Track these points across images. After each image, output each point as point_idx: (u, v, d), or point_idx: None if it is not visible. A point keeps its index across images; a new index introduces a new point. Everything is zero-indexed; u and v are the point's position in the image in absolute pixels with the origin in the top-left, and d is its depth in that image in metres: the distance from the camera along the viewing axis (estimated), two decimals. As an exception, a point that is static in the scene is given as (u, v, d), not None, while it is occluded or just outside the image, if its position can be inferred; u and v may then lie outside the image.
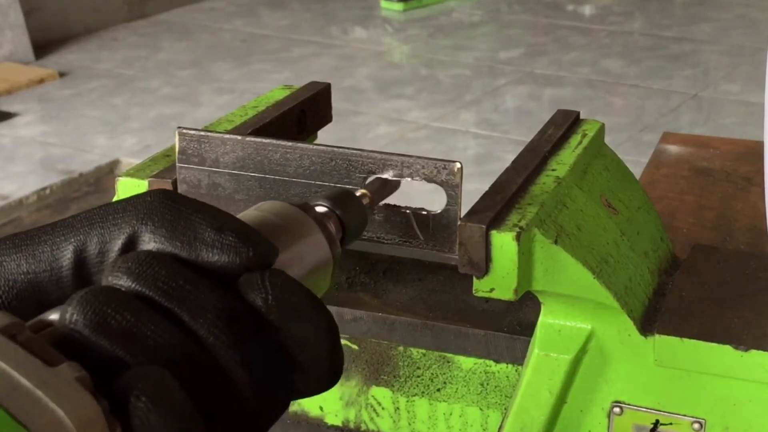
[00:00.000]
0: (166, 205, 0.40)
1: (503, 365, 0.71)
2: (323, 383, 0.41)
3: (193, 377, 0.36)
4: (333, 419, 0.76)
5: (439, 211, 0.58)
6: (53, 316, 0.37)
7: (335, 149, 0.59)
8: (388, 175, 0.58)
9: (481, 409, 0.72)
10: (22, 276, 0.40)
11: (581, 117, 0.74)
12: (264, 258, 0.40)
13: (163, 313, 0.37)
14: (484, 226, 0.57)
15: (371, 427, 0.75)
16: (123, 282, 0.37)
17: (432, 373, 0.73)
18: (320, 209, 0.50)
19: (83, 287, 0.39)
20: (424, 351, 0.73)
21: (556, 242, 0.59)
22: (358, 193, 0.54)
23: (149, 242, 0.39)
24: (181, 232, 0.39)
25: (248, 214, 0.45)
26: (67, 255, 0.40)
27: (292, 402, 0.45)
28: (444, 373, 0.73)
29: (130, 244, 0.40)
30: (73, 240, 0.40)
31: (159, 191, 0.41)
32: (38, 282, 0.40)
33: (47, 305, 0.39)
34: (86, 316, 0.35)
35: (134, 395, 0.34)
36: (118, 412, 0.34)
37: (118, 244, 0.40)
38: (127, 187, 0.65)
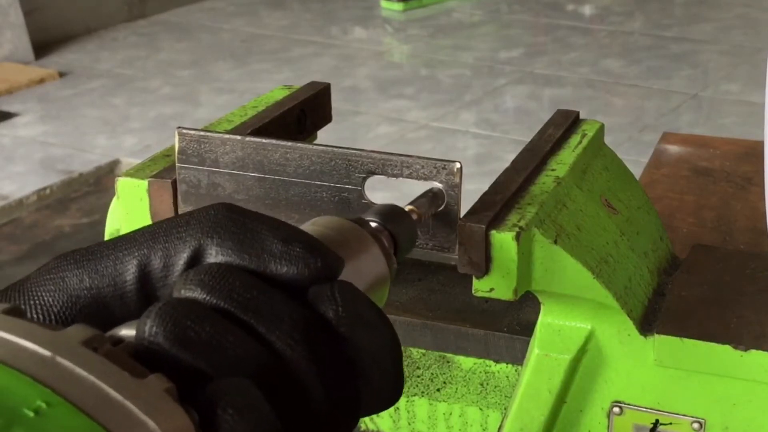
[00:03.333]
0: (231, 218, 0.40)
1: (503, 365, 0.71)
2: (388, 397, 0.41)
3: (273, 389, 0.36)
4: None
5: (438, 212, 0.58)
6: (124, 331, 0.36)
7: (335, 149, 0.59)
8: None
9: (480, 409, 0.72)
10: (85, 291, 0.39)
11: (581, 117, 0.74)
12: (332, 269, 0.40)
13: (240, 324, 0.37)
14: (483, 226, 0.57)
15: (371, 427, 0.75)
16: (198, 294, 0.37)
17: (432, 373, 0.73)
18: (372, 224, 0.49)
19: (147, 302, 0.39)
20: (423, 351, 0.73)
21: (555, 242, 0.59)
22: (406, 208, 0.54)
23: (216, 255, 0.39)
24: (248, 245, 0.39)
25: (305, 228, 0.45)
26: (131, 270, 0.39)
27: None
28: (444, 373, 0.73)
29: (196, 259, 0.39)
30: (136, 254, 0.40)
31: (222, 205, 0.40)
32: (101, 297, 0.40)
33: (111, 321, 0.38)
34: (166, 328, 0.35)
35: (221, 407, 0.34)
36: (205, 424, 0.33)
37: (183, 258, 0.39)
38: (127, 187, 0.65)
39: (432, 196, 0.57)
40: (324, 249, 0.40)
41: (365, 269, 0.45)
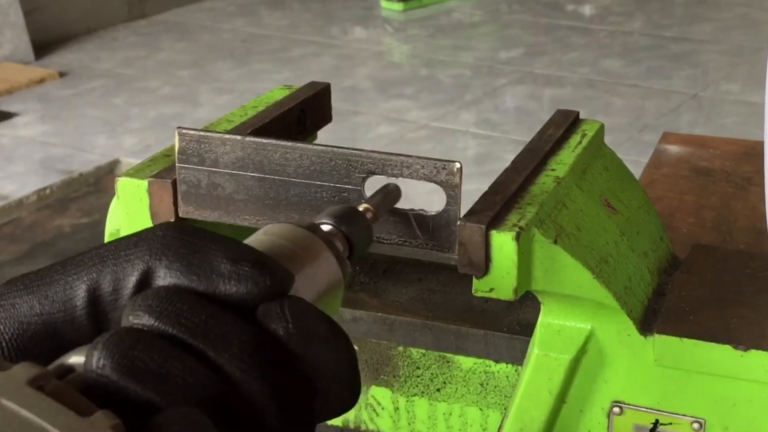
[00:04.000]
0: (178, 238, 0.39)
1: (503, 365, 0.71)
2: (345, 405, 0.41)
3: (223, 413, 0.36)
4: (333, 419, 0.76)
5: (438, 211, 0.58)
6: (73, 359, 0.36)
7: (335, 149, 0.59)
8: (388, 181, 0.58)
9: (480, 409, 0.72)
10: (36, 318, 0.39)
11: (581, 117, 0.74)
12: (281, 286, 0.40)
13: (188, 350, 0.37)
14: (483, 226, 0.57)
15: (371, 427, 0.75)
16: (145, 321, 0.37)
17: (432, 373, 0.73)
18: (326, 228, 0.49)
19: (98, 325, 0.39)
20: (423, 351, 0.73)
21: (555, 242, 0.59)
22: (360, 208, 0.54)
23: (165, 277, 0.39)
24: (196, 266, 0.39)
25: (257, 239, 0.45)
26: (80, 294, 0.39)
27: None
28: (444, 373, 0.73)
29: (144, 281, 0.39)
30: (85, 278, 0.39)
31: (169, 224, 0.40)
32: (52, 323, 0.39)
33: (62, 346, 0.38)
34: (114, 359, 0.35)
35: None
36: None
37: (132, 281, 0.39)
38: (127, 187, 0.65)
39: (387, 192, 0.57)
40: (273, 265, 0.40)
41: (318, 277, 0.45)
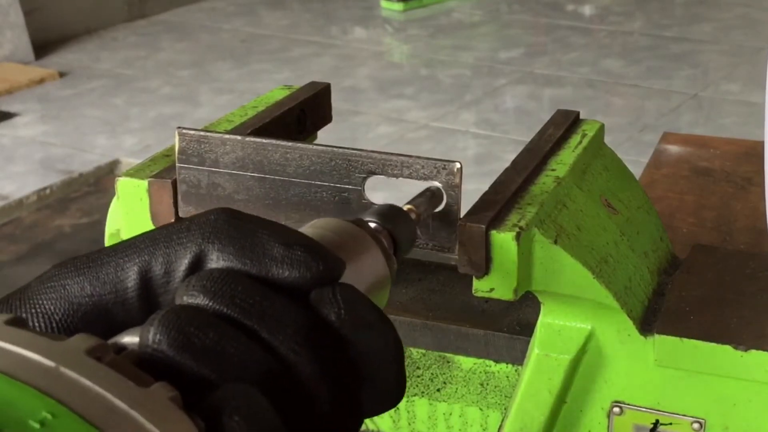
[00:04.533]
0: (231, 222, 0.40)
1: (503, 365, 0.71)
2: (391, 399, 0.41)
3: (277, 394, 0.36)
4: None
5: (439, 211, 0.58)
6: (126, 338, 0.36)
7: (335, 149, 0.59)
8: (435, 185, 0.58)
9: (480, 409, 0.72)
10: (87, 299, 0.39)
11: (581, 117, 0.74)
12: (333, 272, 0.40)
13: (243, 330, 0.37)
14: (483, 226, 0.57)
15: (371, 427, 0.75)
16: (200, 301, 0.37)
17: (432, 373, 0.73)
18: (372, 225, 0.49)
19: (149, 308, 0.39)
20: (424, 351, 0.73)
21: (555, 242, 0.59)
22: (405, 208, 0.54)
23: (217, 261, 0.39)
24: (249, 249, 0.39)
25: (305, 231, 0.45)
26: (132, 276, 0.39)
27: None
28: (444, 373, 0.73)
29: (197, 264, 0.39)
30: (137, 260, 0.40)
31: (222, 210, 0.40)
32: (103, 304, 0.40)
33: (113, 328, 0.38)
34: (170, 335, 0.35)
35: (227, 414, 0.34)
36: (211, 431, 0.34)
37: (184, 263, 0.39)
38: (127, 187, 0.65)
39: (430, 195, 0.57)
40: (325, 252, 0.40)
41: (366, 271, 0.45)
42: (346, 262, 0.42)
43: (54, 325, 0.39)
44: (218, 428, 0.34)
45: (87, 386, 0.32)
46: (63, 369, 0.32)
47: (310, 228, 0.46)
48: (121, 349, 0.36)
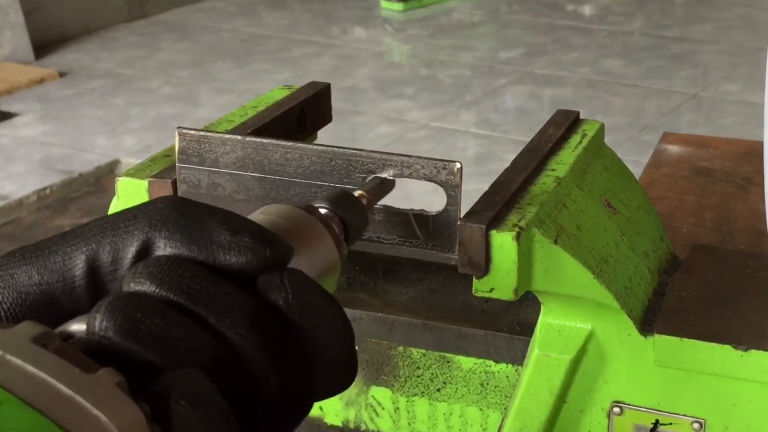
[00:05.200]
0: (178, 210, 0.40)
1: (503, 365, 0.71)
2: (341, 382, 0.41)
3: (225, 379, 0.36)
4: (333, 419, 0.76)
5: (438, 211, 0.58)
6: (74, 326, 0.37)
7: (335, 149, 0.59)
8: (384, 174, 0.58)
9: (480, 409, 0.72)
10: (35, 287, 0.40)
11: (581, 117, 0.74)
12: (281, 258, 0.40)
13: (190, 316, 0.37)
14: (483, 226, 0.57)
15: (371, 427, 0.75)
16: (147, 287, 0.37)
17: (432, 373, 0.73)
18: (322, 211, 0.50)
19: (97, 297, 0.39)
20: (424, 351, 0.73)
21: (556, 242, 0.59)
22: (356, 194, 0.54)
23: (164, 248, 0.39)
24: (196, 236, 0.39)
25: (255, 217, 0.45)
26: (79, 264, 0.40)
27: None
28: (444, 373, 0.73)
29: (144, 252, 0.39)
30: (84, 249, 0.40)
31: (168, 197, 0.41)
32: (51, 293, 0.40)
33: (60, 316, 0.38)
34: (116, 322, 0.35)
35: (173, 399, 0.34)
36: (157, 416, 0.34)
37: (131, 251, 0.39)
38: (127, 187, 0.65)
39: (380, 182, 0.57)
40: (273, 237, 0.40)
41: (315, 256, 0.45)
42: (294, 248, 0.42)
43: (2, 313, 0.39)
44: (164, 413, 0.34)
45: (32, 373, 0.32)
46: (8, 356, 0.32)
47: (260, 215, 0.46)
48: (69, 336, 0.36)
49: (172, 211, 0.40)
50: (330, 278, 0.46)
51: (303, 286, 0.40)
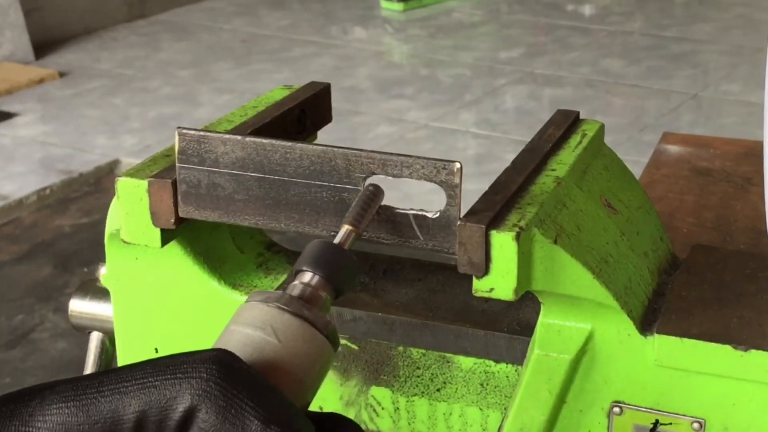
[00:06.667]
0: (220, 387, 0.42)
1: (503, 365, 0.71)
2: None
3: None
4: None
5: (438, 211, 0.58)
6: None
7: (335, 149, 0.59)
8: (373, 180, 0.58)
9: (480, 409, 0.72)
10: (78, 427, 0.41)
11: (581, 117, 0.74)
12: None
13: None
14: (483, 226, 0.57)
15: (371, 427, 0.75)
16: None
17: (432, 373, 0.73)
18: (307, 277, 0.50)
19: None
20: (423, 351, 0.73)
21: (555, 242, 0.59)
22: (342, 232, 0.54)
23: (201, 423, 0.42)
24: (230, 422, 0.42)
25: (247, 335, 0.47)
26: (130, 416, 0.42)
27: None
28: (444, 373, 0.73)
29: (187, 418, 0.42)
30: (135, 403, 0.42)
31: (215, 362, 0.43)
32: None
33: None
34: None
35: None
36: None
37: (175, 418, 0.42)
38: (127, 187, 0.65)
39: (365, 199, 0.57)
40: (301, 425, 0.43)
41: (312, 362, 0.47)
42: (292, 362, 0.45)
43: None
44: None
45: None
46: None
47: (249, 329, 0.47)
48: None
49: (216, 386, 0.42)
50: (325, 370, 0.48)
51: None
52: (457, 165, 0.57)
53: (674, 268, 0.70)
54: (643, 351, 0.63)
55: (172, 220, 0.64)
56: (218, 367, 0.43)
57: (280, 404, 0.43)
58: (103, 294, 0.79)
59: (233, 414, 0.42)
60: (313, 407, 0.77)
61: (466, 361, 0.72)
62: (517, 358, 0.70)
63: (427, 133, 3.57)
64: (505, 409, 0.71)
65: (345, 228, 0.54)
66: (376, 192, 0.57)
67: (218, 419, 0.42)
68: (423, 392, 0.73)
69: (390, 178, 0.59)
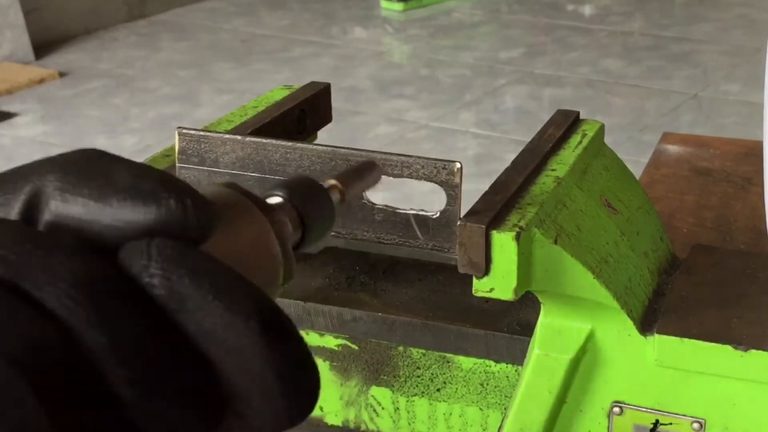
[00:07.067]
0: (85, 157, 0.32)
1: (503, 365, 0.71)
2: (270, 420, 0.29)
3: (47, 374, 0.26)
4: (333, 419, 0.76)
5: (438, 211, 0.58)
6: None
7: (335, 149, 0.59)
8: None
9: (480, 409, 0.72)
10: None
11: (581, 117, 0.74)
12: (190, 219, 0.30)
13: (6, 289, 0.27)
14: (484, 226, 0.57)
15: (371, 427, 0.75)
16: None
17: (432, 373, 0.73)
18: (275, 200, 0.38)
19: None
20: (423, 351, 0.73)
21: (555, 242, 0.59)
22: (327, 184, 0.42)
23: (54, 191, 0.31)
24: (91, 177, 0.30)
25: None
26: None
27: None
28: (444, 373, 0.73)
29: (34, 201, 0.32)
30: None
31: (87, 149, 0.32)
32: None
33: None
34: None
35: None
36: None
37: (20, 199, 0.32)
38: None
39: (361, 168, 0.45)
40: (187, 190, 0.30)
41: (242, 248, 0.33)
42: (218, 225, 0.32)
43: None
44: None
45: None
46: None
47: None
48: None
49: (81, 157, 0.32)
50: (264, 277, 0.34)
51: (181, 256, 0.29)
52: (457, 165, 0.57)
53: (674, 268, 0.70)
54: (643, 351, 0.63)
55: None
56: (91, 149, 0.32)
57: (164, 172, 0.31)
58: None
59: (97, 169, 0.31)
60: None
61: (466, 361, 0.72)
62: (517, 358, 0.70)
63: (427, 133, 3.57)
64: (505, 409, 0.71)
65: (329, 182, 0.43)
66: (373, 163, 0.46)
67: (76, 178, 0.30)
68: (423, 392, 0.73)
69: (390, 178, 0.59)
